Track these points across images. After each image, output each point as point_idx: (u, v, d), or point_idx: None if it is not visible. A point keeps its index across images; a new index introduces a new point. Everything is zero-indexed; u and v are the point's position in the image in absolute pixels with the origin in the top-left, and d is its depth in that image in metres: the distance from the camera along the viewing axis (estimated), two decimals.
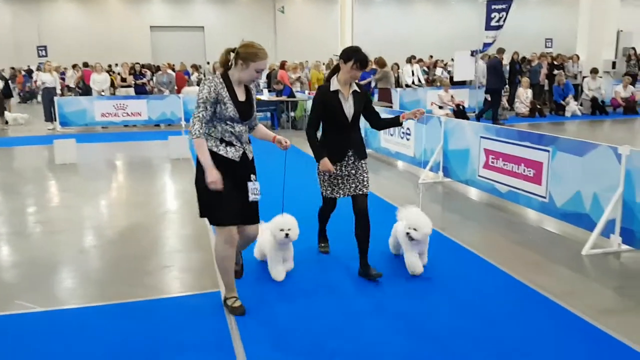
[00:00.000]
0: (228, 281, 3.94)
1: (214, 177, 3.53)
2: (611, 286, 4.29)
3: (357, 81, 4.52)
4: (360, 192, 4.45)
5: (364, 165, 4.53)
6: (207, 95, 3.57)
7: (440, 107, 15.31)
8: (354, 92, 4.49)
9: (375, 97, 12.96)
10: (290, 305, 3.98)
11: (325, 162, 4.37)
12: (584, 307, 3.85)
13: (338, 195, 4.55)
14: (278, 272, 4.45)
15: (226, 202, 3.64)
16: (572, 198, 5.48)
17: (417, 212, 4.51)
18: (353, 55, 4.31)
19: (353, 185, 4.47)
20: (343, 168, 4.48)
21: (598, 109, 16.39)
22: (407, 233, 4.40)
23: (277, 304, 3.99)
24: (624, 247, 5.00)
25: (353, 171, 4.48)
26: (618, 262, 4.84)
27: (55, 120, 14.76)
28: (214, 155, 3.61)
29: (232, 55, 3.71)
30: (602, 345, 3.38)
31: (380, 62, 13.20)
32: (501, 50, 15.29)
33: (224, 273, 3.91)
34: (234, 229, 3.73)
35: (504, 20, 16.21)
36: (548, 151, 5.79)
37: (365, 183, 4.48)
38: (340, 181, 4.51)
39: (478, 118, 14.93)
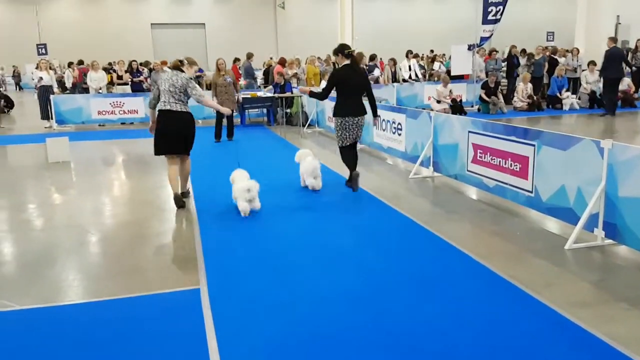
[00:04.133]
0: None
1: (227, 110, 7.73)
2: (590, 279, 4.29)
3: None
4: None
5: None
6: None
7: (438, 102, 15.29)
8: None
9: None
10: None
11: None
12: (558, 300, 3.86)
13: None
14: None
15: None
16: (557, 192, 5.47)
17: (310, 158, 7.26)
18: None
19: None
20: None
21: (596, 102, 16.31)
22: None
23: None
24: (607, 241, 4.99)
25: None
26: (600, 256, 4.83)
27: (52, 118, 14.80)
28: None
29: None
30: (569, 335, 3.40)
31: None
32: (613, 39, 14.95)
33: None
34: None
35: (501, 14, 16.20)
36: (533, 145, 5.78)
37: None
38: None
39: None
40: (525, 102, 15.96)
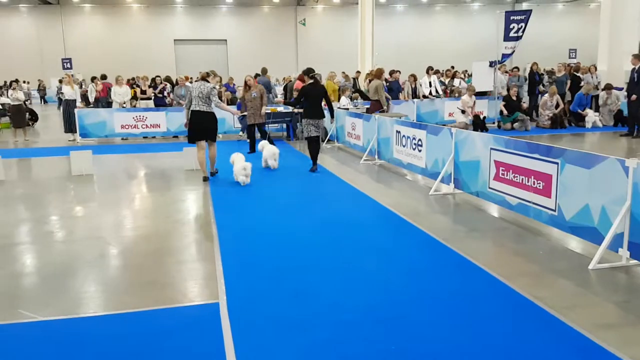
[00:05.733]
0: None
1: (236, 111, 11.99)
2: (615, 300, 4.20)
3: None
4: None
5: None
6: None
7: (463, 112, 15.21)
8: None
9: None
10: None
11: None
12: (583, 321, 3.79)
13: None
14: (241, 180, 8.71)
15: None
16: (581, 211, 5.38)
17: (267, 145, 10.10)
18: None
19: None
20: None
21: (620, 120, 16.09)
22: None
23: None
24: (633, 261, 4.90)
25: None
26: (625, 277, 4.73)
27: (76, 132, 15.03)
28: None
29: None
30: (594, 358, 3.32)
31: (371, 74, 13.33)
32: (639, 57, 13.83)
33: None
34: None
35: (523, 31, 16.13)
36: (557, 163, 5.71)
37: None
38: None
39: None
40: (550, 112, 15.71)
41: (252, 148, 12.13)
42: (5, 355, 3.51)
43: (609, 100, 16.24)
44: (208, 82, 8.96)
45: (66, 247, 5.90)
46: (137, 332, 3.80)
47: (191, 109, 8.87)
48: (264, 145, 10.13)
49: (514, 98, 15.74)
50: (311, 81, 9.83)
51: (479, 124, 15.04)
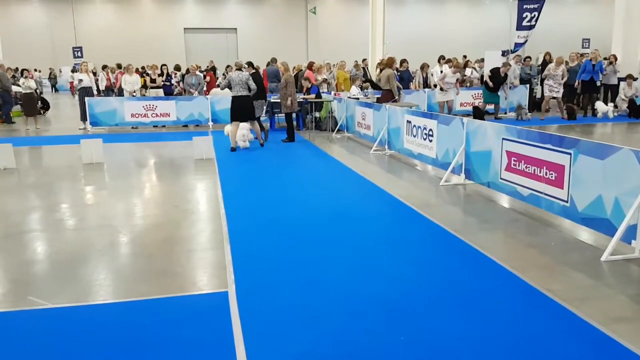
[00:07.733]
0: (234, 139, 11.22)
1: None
2: (628, 293, 4.15)
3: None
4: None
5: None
6: None
7: (441, 89, 14.63)
8: None
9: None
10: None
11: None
12: (596, 314, 3.74)
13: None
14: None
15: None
16: (593, 202, 5.32)
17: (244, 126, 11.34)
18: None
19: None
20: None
21: (635, 111, 15.85)
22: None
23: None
24: None
25: None
26: (638, 269, 4.66)
27: (86, 120, 15.07)
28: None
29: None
30: (607, 351, 3.28)
31: (382, 63, 13.24)
32: None
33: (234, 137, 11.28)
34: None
35: (536, 20, 15.98)
36: (570, 154, 5.64)
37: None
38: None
39: None
40: (556, 84, 15.25)
41: (292, 136, 12.47)
42: (16, 342, 3.53)
43: (630, 92, 15.89)
44: (242, 71, 11.20)
45: (77, 235, 5.92)
46: (147, 320, 3.81)
47: (233, 94, 10.99)
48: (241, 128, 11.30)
49: (502, 75, 15.11)
50: (253, 70, 12.23)
51: (479, 114, 14.73)
